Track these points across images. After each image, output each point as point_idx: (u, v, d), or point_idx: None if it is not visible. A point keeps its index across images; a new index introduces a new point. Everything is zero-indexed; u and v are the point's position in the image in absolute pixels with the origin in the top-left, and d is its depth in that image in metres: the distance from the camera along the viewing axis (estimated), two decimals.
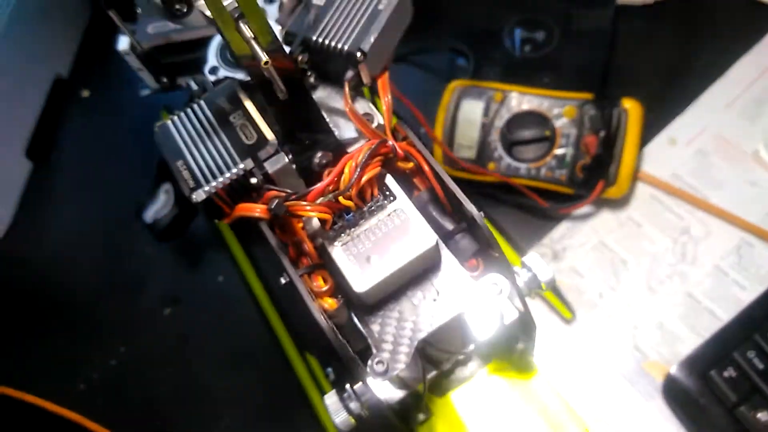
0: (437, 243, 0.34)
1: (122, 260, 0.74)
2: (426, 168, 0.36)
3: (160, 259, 0.73)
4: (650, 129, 0.68)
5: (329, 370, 0.58)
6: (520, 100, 0.67)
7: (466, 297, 0.35)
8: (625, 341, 0.62)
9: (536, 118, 0.66)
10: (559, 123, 0.65)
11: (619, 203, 0.67)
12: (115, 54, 0.69)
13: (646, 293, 0.63)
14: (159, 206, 0.66)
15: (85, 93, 0.85)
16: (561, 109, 0.65)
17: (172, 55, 0.44)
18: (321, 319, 0.33)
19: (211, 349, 0.68)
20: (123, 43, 0.45)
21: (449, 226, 0.37)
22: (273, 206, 0.33)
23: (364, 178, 0.34)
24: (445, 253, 0.36)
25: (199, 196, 0.35)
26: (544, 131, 0.66)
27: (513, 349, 0.38)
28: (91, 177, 0.80)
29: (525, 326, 0.37)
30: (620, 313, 0.63)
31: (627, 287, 0.64)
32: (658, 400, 0.59)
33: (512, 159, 0.66)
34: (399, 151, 0.36)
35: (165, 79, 0.47)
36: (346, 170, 0.34)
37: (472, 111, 0.67)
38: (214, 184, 0.35)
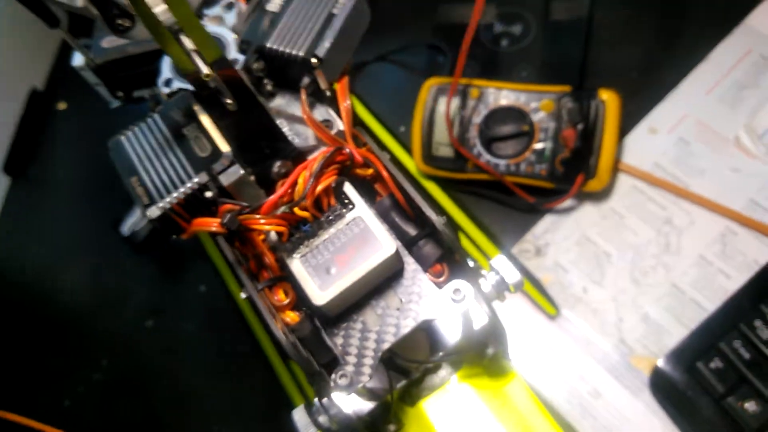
0: (398, 251, 0.33)
1: (103, 273, 0.73)
2: (385, 174, 0.35)
3: (140, 271, 0.72)
4: (630, 119, 0.67)
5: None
6: (497, 95, 0.66)
7: (431, 304, 0.34)
8: (611, 336, 0.61)
9: (514, 113, 0.65)
10: (537, 117, 0.64)
11: (600, 195, 0.66)
12: None
13: (630, 286, 0.62)
14: (136, 218, 0.66)
15: (62, 105, 0.84)
16: (538, 103, 0.64)
17: (128, 69, 0.44)
18: (280, 335, 0.32)
19: (196, 359, 0.68)
20: (77, 59, 0.44)
21: (412, 232, 0.36)
22: (225, 221, 0.32)
23: (319, 188, 0.33)
24: (408, 260, 0.35)
25: (153, 213, 0.34)
26: (522, 126, 0.65)
27: (484, 355, 0.37)
28: (71, 190, 0.79)
29: (494, 331, 0.36)
30: (605, 307, 0.62)
31: (611, 280, 0.63)
32: (645, 394, 0.58)
33: (491, 155, 0.65)
34: (357, 157, 0.35)
35: (121, 93, 0.46)
36: (300, 180, 0.33)
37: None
38: (168, 200, 0.34)
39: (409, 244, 0.35)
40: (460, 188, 0.67)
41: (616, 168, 0.65)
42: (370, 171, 0.36)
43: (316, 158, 0.33)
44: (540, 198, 0.66)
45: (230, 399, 0.65)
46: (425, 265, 0.35)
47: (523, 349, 0.62)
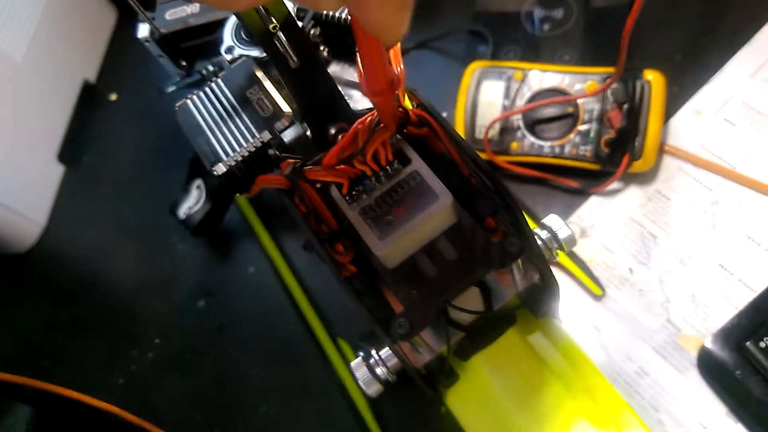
0: (454, 202, 0.35)
1: (155, 257, 0.75)
2: (440, 131, 0.36)
3: (191, 254, 0.74)
4: (675, 101, 0.68)
5: (360, 354, 0.58)
6: (541, 77, 0.67)
7: (486, 258, 0.35)
8: (658, 316, 0.61)
9: (558, 95, 0.66)
10: (582, 98, 0.65)
11: (646, 177, 0.66)
12: (141, 57, 0.71)
13: (677, 266, 0.62)
14: (192, 202, 0.68)
15: (113, 96, 0.87)
16: (583, 85, 0.65)
17: (189, 39, 0.46)
18: (343, 284, 0.34)
19: (245, 338, 0.69)
20: (143, 30, 0.47)
21: (467, 188, 0.37)
22: (289, 171, 0.33)
23: (377, 141, 0.34)
24: (464, 214, 0.36)
25: (219, 169, 0.36)
26: (566, 108, 0.65)
27: (537, 311, 0.38)
28: (123, 177, 0.82)
29: (547, 286, 0.37)
30: (651, 287, 0.62)
31: (657, 261, 0.63)
32: (693, 373, 0.58)
33: (535, 138, 0.66)
34: (412, 116, 0.36)
35: (184, 63, 0.48)
36: (359, 134, 0.34)
37: (492, 91, 0.68)
38: (233, 155, 0.36)
39: (463, 199, 0.36)
40: (503, 171, 0.68)
41: (661, 150, 0.66)
42: (425, 129, 0.37)
43: (373, 113, 0.34)
44: (585, 181, 0.66)
45: (278, 378, 0.67)
46: (480, 219, 0.36)
47: (569, 329, 0.62)
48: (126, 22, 0.91)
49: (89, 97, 0.86)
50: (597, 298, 0.63)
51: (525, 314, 0.39)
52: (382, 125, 0.34)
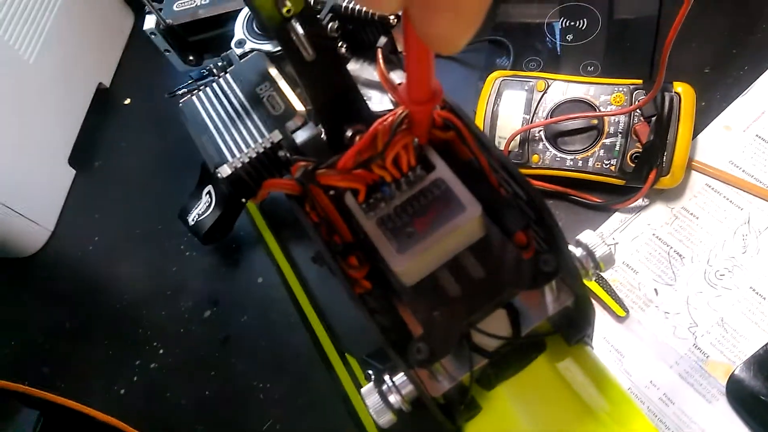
0: (482, 215, 0.30)
1: (162, 264, 0.71)
2: (467, 135, 0.32)
3: (199, 262, 0.70)
4: (703, 115, 0.63)
5: (369, 372, 0.54)
6: (565, 88, 0.62)
7: (515, 277, 0.30)
8: (684, 340, 0.56)
9: (582, 107, 0.61)
10: (608, 111, 0.60)
11: (672, 194, 0.61)
12: (156, 62, 0.66)
13: (705, 288, 0.57)
14: (202, 208, 0.64)
15: (127, 101, 0.83)
16: (609, 96, 0.60)
17: (199, 33, 0.41)
18: (355, 301, 0.29)
19: (251, 351, 0.65)
20: (149, 22, 0.42)
21: (494, 198, 0.32)
22: (299, 175, 0.29)
23: (399, 144, 0.30)
24: (492, 228, 0.31)
25: (224, 171, 0.31)
26: (590, 120, 0.61)
27: (570, 337, 0.33)
28: (133, 182, 0.78)
29: (582, 310, 0.32)
30: (678, 310, 0.57)
31: (684, 282, 0.58)
32: (721, 403, 0.53)
33: (557, 150, 0.61)
34: (437, 118, 0.32)
35: (191, 58, 0.44)
36: (379, 135, 0.29)
37: (513, 102, 0.63)
38: (239, 157, 0.31)
39: (491, 210, 0.32)
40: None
41: (689, 165, 0.61)
42: (451, 133, 0.33)
43: (395, 112, 0.30)
44: (608, 196, 0.62)
45: (285, 390, 0.62)
46: (510, 233, 0.31)
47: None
48: (143, 24, 0.87)
49: (103, 101, 0.82)
50: (620, 320, 0.58)
51: (555, 339, 0.34)
52: (404, 126, 0.30)
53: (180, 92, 0.52)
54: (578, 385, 0.33)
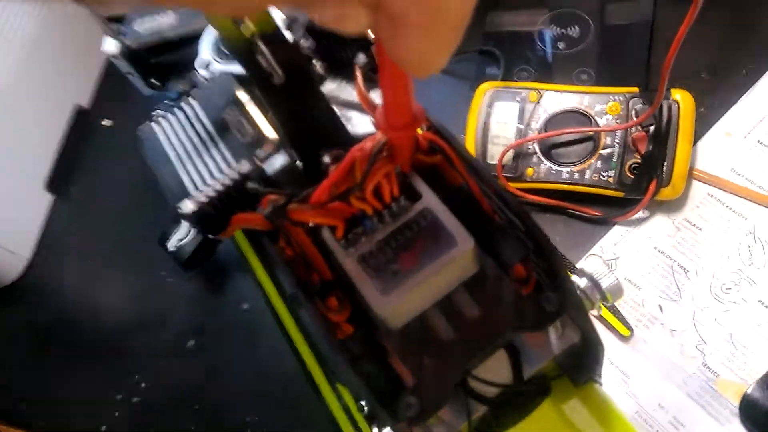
0: (475, 248, 0.26)
1: (144, 292, 0.67)
2: (456, 160, 0.28)
3: (181, 289, 0.66)
4: (702, 122, 0.59)
5: (362, 403, 0.50)
6: (558, 98, 0.59)
7: (515, 315, 0.27)
8: (693, 358, 0.52)
9: (577, 118, 0.58)
10: (603, 121, 0.57)
11: (673, 205, 0.58)
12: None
13: (712, 303, 0.54)
14: (182, 234, 0.60)
15: (106, 122, 0.79)
16: (605, 106, 0.57)
17: (162, 54, 0.38)
18: (335, 350, 0.25)
19: (237, 382, 0.61)
20: (110, 45, 0.39)
21: (488, 227, 0.28)
22: (268, 212, 0.25)
23: (380, 173, 0.26)
24: (486, 262, 0.28)
25: (185, 207, 0.28)
26: None
27: (577, 378, 0.30)
28: (113, 208, 0.74)
29: (590, 347, 0.29)
30: (684, 326, 0.54)
31: (690, 297, 0.55)
32: (735, 425, 0.50)
33: (552, 163, 0.58)
34: (421, 141, 0.28)
35: (155, 81, 0.40)
36: (357, 164, 0.26)
37: (505, 114, 0.60)
38: (205, 192, 0.28)
39: (485, 241, 0.28)
40: (518, 198, 0.59)
41: (689, 175, 0.57)
42: (437, 157, 0.29)
43: (374, 137, 0.26)
44: (607, 209, 0.58)
45: (274, 423, 0.58)
46: (506, 266, 0.27)
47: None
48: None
49: (81, 123, 0.78)
50: (624, 339, 0.54)
51: (565, 380, 0.30)
52: (385, 153, 0.26)
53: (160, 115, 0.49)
54: (585, 426, 0.30)
